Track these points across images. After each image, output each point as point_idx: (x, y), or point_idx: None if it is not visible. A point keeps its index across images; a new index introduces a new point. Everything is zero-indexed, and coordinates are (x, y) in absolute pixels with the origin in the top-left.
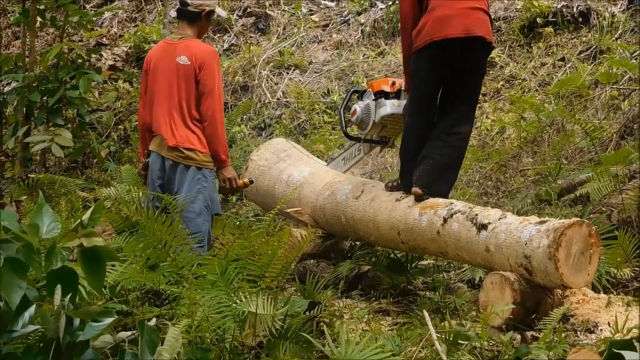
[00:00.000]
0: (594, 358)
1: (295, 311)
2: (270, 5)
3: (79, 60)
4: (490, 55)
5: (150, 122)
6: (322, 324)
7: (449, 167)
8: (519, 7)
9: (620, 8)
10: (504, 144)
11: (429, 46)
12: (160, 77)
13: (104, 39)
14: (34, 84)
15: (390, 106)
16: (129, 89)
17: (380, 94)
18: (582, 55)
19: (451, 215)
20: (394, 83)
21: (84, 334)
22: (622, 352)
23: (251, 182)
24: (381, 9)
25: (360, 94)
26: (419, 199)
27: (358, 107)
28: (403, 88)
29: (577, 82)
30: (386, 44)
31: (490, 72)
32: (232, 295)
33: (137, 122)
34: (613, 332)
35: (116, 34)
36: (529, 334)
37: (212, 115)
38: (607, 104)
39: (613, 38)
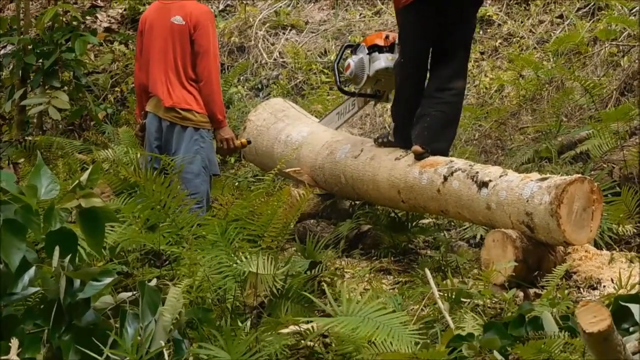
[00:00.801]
0: (603, 312)
1: (296, 271)
2: None
3: (74, 23)
4: (488, 13)
5: (146, 84)
6: (323, 283)
7: (446, 123)
8: None
9: None
10: (503, 102)
11: (415, 2)
12: (155, 38)
13: (99, 1)
14: (29, 47)
15: (384, 60)
16: (124, 51)
17: (374, 48)
18: (581, 12)
19: (452, 173)
20: (387, 37)
21: (84, 292)
22: (629, 305)
23: (249, 142)
24: None
25: (354, 49)
26: (419, 157)
27: (352, 61)
28: (397, 42)
29: (576, 40)
30: (382, 3)
31: (488, 30)
32: (233, 255)
33: (133, 84)
34: (616, 288)
35: None
36: (531, 291)
37: (208, 76)
38: (606, 61)
39: None
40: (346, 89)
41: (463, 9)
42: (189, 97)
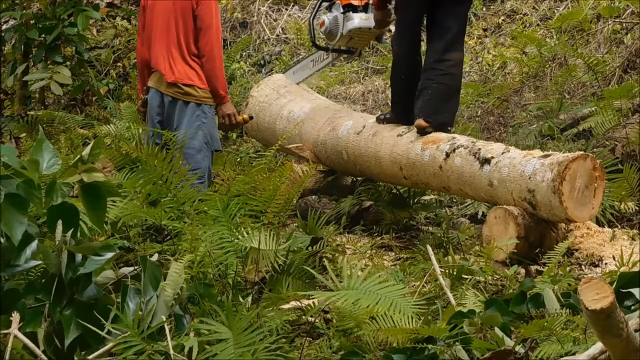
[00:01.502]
0: (605, 289)
1: (297, 247)
2: None
3: None
4: None
5: (148, 59)
6: (324, 259)
7: (447, 94)
8: None
9: None
10: (506, 79)
11: None
12: (157, 13)
13: None
14: (31, 22)
15: (358, 20)
16: (127, 26)
17: (349, 7)
18: None
19: (454, 150)
20: None
21: (85, 267)
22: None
23: (251, 118)
24: None
25: (329, 5)
26: (422, 131)
27: (327, 18)
28: (371, 2)
29: (579, 16)
30: None
31: (491, 7)
32: (234, 230)
33: (135, 60)
34: (618, 265)
35: None
36: (533, 268)
37: (210, 51)
38: (610, 38)
39: None
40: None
41: None
42: (191, 73)
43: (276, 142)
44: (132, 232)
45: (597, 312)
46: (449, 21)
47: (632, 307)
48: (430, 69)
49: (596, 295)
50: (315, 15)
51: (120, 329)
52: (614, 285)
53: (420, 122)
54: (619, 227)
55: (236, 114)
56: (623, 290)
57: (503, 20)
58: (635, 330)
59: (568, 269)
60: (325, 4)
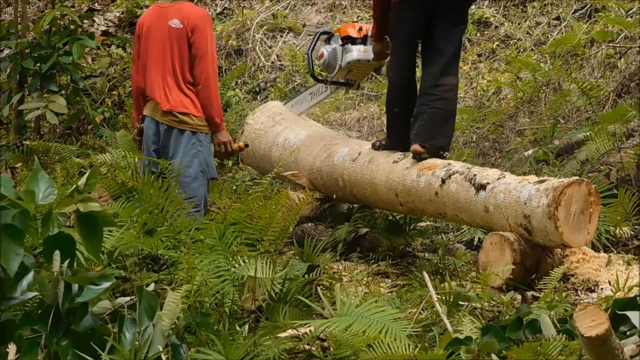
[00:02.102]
0: (600, 315)
1: (294, 275)
2: None
3: (72, 26)
4: (485, 15)
5: (144, 87)
6: (321, 287)
7: (443, 119)
8: None
9: None
10: (500, 104)
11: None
12: (152, 41)
13: (96, 4)
14: (27, 51)
15: (357, 52)
16: (122, 54)
17: (347, 39)
18: (577, 13)
19: (449, 176)
20: (360, 29)
21: (82, 297)
22: (627, 312)
23: (246, 145)
24: None
25: (328, 37)
26: (418, 157)
27: (325, 50)
28: (370, 34)
29: (573, 41)
30: None
31: (485, 32)
32: (231, 259)
33: (130, 88)
34: (614, 290)
35: None
36: (529, 294)
37: (206, 79)
38: (604, 63)
39: None
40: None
41: (454, 5)
42: (186, 101)
43: (272, 170)
44: (128, 262)
45: (592, 339)
46: (443, 46)
47: (628, 333)
48: (425, 94)
49: (591, 322)
50: (313, 47)
51: None
52: (609, 311)
53: (416, 147)
54: (615, 252)
55: (232, 142)
56: (619, 316)
57: (497, 45)
58: (631, 357)
59: (564, 294)
60: (323, 37)
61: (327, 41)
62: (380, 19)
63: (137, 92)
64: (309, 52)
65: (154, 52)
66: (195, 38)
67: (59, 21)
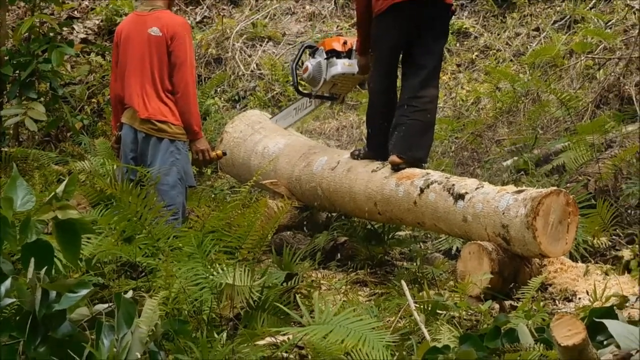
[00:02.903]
0: (577, 325)
1: (272, 283)
2: None
3: (51, 34)
4: (465, 26)
5: (122, 95)
6: (298, 295)
7: (422, 130)
8: None
9: None
10: (480, 114)
11: (389, 9)
12: (131, 49)
13: (76, 12)
14: (5, 58)
15: (341, 66)
16: (101, 62)
17: (332, 53)
18: (557, 25)
19: (428, 186)
20: (345, 42)
21: (60, 304)
22: (604, 320)
23: (224, 154)
24: None
25: (313, 51)
26: (396, 167)
27: (310, 64)
28: (354, 48)
29: (552, 52)
30: None
31: (465, 42)
32: (209, 267)
33: (109, 96)
34: (591, 300)
35: (88, 7)
36: (507, 303)
37: (185, 87)
38: (582, 74)
39: (587, 7)
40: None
41: (434, 17)
42: (164, 109)
43: (251, 178)
44: (107, 269)
45: (569, 348)
46: (424, 58)
47: (605, 343)
48: (404, 105)
49: (568, 332)
50: (297, 61)
51: None
52: (586, 321)
53: (394, 158)
54: (593, 262)
55: (210, 150)
56: (596, 325)
57: (476, 55)
58: None
59: (542, 304)
60: (307, 50)
61: (312, 55)
62: (364, 32)
63: (116, 99)
64: (293, 65)
65: (133, 60)
66: (174, 46)
67: (38, 28)
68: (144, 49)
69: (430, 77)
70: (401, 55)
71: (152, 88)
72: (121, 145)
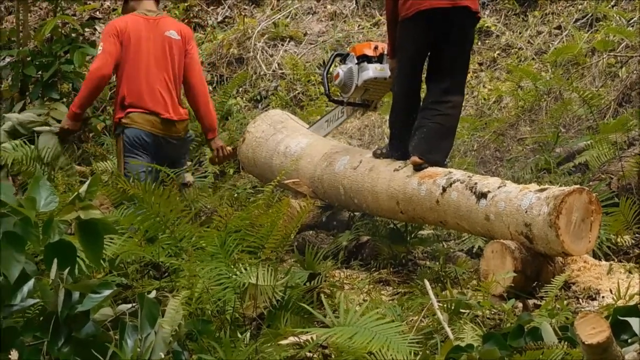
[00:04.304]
0: (601, 323)
1: (295, 282)
2: None
3: (73, 34)
4: (486, 25)
5: (124, 93)
6: (322, 294)
7: (442, 134)
8: None
9: None
10: (502, 112)
11: (415, 16)
12: (149, 51)
13: (98, 12)
14: (28, 59)
15: (373, 70)
16: None
17: (363, 58)
18: (579, 23)
19: (450, 185)
20: (376, 47)
21: (83, 305)
22: (628, 318)
23: (234, 149)
24: None
25: (343, 58)
26: (417, 168)
27: (341, 70)
28: (385, 52)
29: (574, 50)
30: (381, 15)
31: (486, 41)
32: (232, 266)
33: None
34: (615, 299)
35: (109, 7)
36: (530, 302)
37: (204, 86)
38: (605, 72)
39: (609, 5)
40: (335, 97)
41: (461, 24)
42: (184, 109)
43: (273, 178)
44: (130, 269)
45: (593, 347)
46: (450, 64)
47: (629, 341)
48: (428, 108)
49: (592, 330)
50: (329, 68)
51: None
52: (610, 319)
53: (415, 159)
54: (616, 260)
55: (225, 146)
56: (620, 323)
57: (498, 54)
58: None
59: (565, 302)
60: (338, 58)
61: (342, 61)
62: (394, 36)
63: (103, 84)
64: (325, 72)
65: (151, 61)
66: (191, 48)
67: (60, 29)
68: (164, 51)
69: (456, 83)
70: (427, 60)
71: (175, 90)
72: (136, 145)
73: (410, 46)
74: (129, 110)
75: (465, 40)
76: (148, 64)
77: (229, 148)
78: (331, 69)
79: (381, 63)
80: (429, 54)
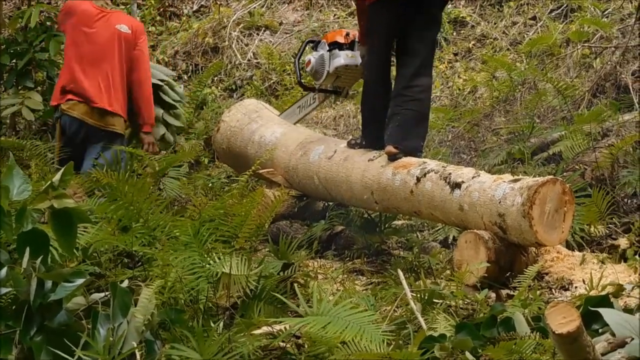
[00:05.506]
0: (572, 313)
1: (269, 272)
2: None
3: (48, 23)
4: (461, 15)
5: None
6: (296, 284)
7: (417, 120)
8: None
9: None
10: (476, 103)
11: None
12: (98, 43)
13: None
14: (2, 47)
15: (344, 57)
16: None
17: (334, 45)
18: (553, 13)
19: (424, 175)
20: (347, 34)
21: (55, 294)
22: (600, 308)
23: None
24: None
25: (315, 45)
26: (392, 157)
27: (312, 57)
28: (357, 39)
29: (549, 41)
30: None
31: (461, 31)
32: (206, 256)
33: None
34: (588, 289)
35: None
36: (503, 292)
37: (149, 79)
38: (579, 63)
39: None
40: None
41: (428, 6)
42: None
43: (247, 167)
44: (103, 258)
45: (563, 336)
46: (417, 47)
47: (600, 331)
48: (398, 95)
49: (563, 319)
50: (300, 55)
51: (91, 356)
52: (581, 309)
53: (390, 148)
54: (589, 250)
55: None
56: (591, 313)
57: (473, 44)
58: (603, 354)
59: (538, 292)
60: (310, 45)
61: (314, 48)
62: (365, 22)
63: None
64: (297, 60)
65: (99, 53)
66: (141, 42)
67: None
68: (113, 44)
69: (423, 66)
70: (395, 44)
71: (120, 82)
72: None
73: (378, 31)
74: (68, 97)
75: (432, 23)
76: (97, 55)
77: (157, 148)
78: (303, 57)
79: (352, 50)
80: (396, 38)
